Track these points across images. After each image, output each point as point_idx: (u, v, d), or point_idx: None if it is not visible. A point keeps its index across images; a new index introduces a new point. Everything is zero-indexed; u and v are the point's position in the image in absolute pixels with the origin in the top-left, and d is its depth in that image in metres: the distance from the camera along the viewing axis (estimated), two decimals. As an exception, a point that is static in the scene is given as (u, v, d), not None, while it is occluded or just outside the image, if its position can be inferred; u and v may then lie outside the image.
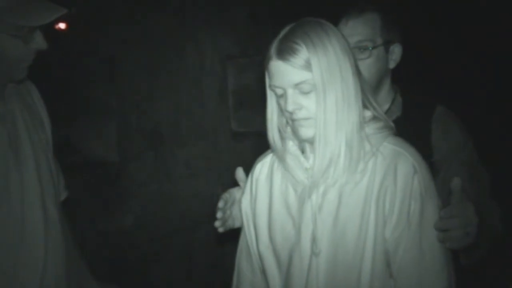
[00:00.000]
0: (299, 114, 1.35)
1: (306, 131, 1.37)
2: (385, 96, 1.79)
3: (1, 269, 1.44)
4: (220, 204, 1.54)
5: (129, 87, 3.12)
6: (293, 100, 1.34)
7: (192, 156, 3.29)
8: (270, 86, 1.40)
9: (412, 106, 1.79)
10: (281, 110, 1.41)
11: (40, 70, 1.56)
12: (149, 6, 3.14)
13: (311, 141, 1.39)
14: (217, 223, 1.53)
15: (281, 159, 1.46)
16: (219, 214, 1.53)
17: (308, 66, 1.31)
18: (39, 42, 1.41)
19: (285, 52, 1.32)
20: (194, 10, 3.25)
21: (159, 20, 3.16)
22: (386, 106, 1.78)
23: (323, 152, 1.34)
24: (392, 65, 1.77)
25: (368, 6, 1.72)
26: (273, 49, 1.36)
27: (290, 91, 1.34)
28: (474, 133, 1.78)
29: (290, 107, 1.34)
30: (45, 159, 1.59)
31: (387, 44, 1.72)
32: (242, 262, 1.61)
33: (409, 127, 1.71)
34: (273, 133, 1.45)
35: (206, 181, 3.31)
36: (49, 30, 1.45)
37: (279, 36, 1.37)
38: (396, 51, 1.75)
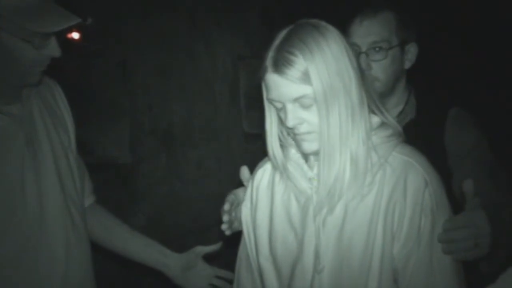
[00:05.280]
0: (301, 129, 1.26)
1: (309, 145, 1.28)
2: (399, 97, 1.76)
3: (19, 276, 1.40)
4: (226, 206, 1.46)
5: (141, 88, 3.11)
6: (294, 115, 1.24)
7: (204, 157, 3.28)
8: (267, 99, 1.30)
9: (426, 108, 1.75)
10: (282, 121, 1.31)
11: (53, 71, 1.53)
12: (161, 8, 3.14)
13: (316, 154, 1.30)
14: (223, 226, 1.46)
15: (283, 171, 1.37)
16: (225, 217, 1.45)
17: (306, 78, 1.20)
18: (53, 49, 1.38)
19: (280, 64, 1.21)
20: (205, 12, 3.24)
21: (171, 22, 3.16)
22: (400, 108, 1.75)
23: (328, 171, 1.25)
24: (407, 65, 1.73)
25: (383, 5, 1.68)
26: (268, 60, 1.25)
27: (289, 106, 1.24)
28: (490, 133, 1.75)
29: (290, 123, 1.25)
30: (66, 161, 1.55)
31: (403, 44, 1.69)
32: (241, 272, 1.52)
33: (423, 129, 1.68)
34: (272, 146, 1.35)
35: (218, 182, 3.29)
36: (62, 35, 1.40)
37: (274, 44, 1.25)
38: (411, 51, 1.72)
